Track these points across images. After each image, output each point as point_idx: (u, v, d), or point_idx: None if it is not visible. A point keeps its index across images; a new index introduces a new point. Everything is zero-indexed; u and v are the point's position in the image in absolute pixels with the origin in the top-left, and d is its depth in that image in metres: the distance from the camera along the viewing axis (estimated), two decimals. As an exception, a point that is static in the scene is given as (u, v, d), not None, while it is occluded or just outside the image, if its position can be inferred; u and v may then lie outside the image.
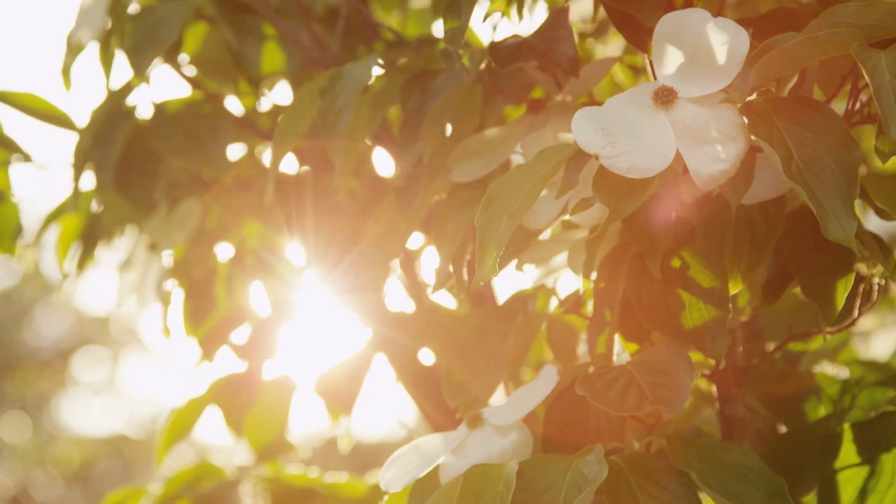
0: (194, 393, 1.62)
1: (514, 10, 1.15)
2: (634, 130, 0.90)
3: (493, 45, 1.07)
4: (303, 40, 1.41)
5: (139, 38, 1.38)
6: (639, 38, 1.03)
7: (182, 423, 1.64)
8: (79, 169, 1.46)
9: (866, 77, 0.86)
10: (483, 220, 0.91)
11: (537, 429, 1.04)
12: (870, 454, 1.04)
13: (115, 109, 1.45)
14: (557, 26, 1.05)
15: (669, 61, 0.94)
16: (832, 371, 1.22)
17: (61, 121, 1.53)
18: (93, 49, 1.47)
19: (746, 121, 0.90)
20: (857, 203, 1.09)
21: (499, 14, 1.12)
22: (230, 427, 1.60)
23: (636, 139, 0.89)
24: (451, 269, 1.08)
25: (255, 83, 1.48)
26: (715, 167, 0.89)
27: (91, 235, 1.57)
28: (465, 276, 1.08)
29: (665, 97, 0.92)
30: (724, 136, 0.90)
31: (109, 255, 1.60)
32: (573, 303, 1.13)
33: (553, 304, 1.17)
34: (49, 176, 1.57)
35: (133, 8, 1.44)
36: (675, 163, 0.89)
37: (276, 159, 1.17)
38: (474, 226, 1.15)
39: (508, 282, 1.25)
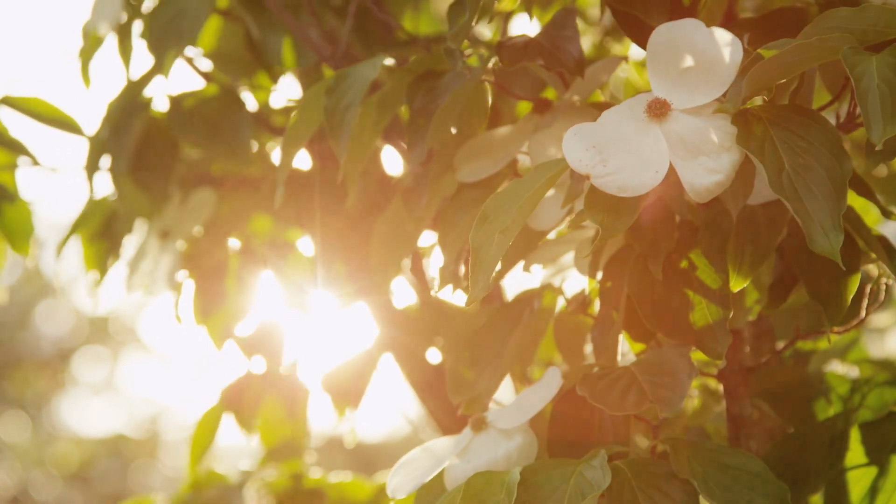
0: (209, 402, 1.63)
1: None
2: (627, 145, 0.90)
3: (501, 43, 1.07)
4: (313, 37, 1.40)
5: (160, 31, 1.38)
6: (644, 39, 1.03)
7: (204, 433, 1.64)
8: (94, 160, 1.46)
9: (853, 82, 0.86)
10: (477, 237, 0.91)
11: (542, 430, 1.04)
12: (878, 454, 1.04)
13: (131, 101, 1.45)
14: (564, 26, 1.05)
15: (663, 72, 0.93)
16: (842, 370, 1.22)
17: (68, 125, 1.53)
18: (111, 41, 1.47)
19: (738, 131, 0.90)
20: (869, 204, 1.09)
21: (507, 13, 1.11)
22: (244, 429, 1.60)
23: (628, 155, 0.89)
24: (460, 268, 1.08)
25: (276, 76, 1.48)
26: (710, 179, 0.89)
27: (111, 237, 1.57)
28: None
29: (658, 109, 0.91)
30: (719, 147, 0.89)
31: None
32: (580, 302, 1.13)
33: (560, 303, 1.17)
34: (57, 179, 1.57)
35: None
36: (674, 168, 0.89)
37: (286, 160, 1.17)
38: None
39: (517, 280, 1.25)
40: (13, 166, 1.53)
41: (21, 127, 1.64)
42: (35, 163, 1.54)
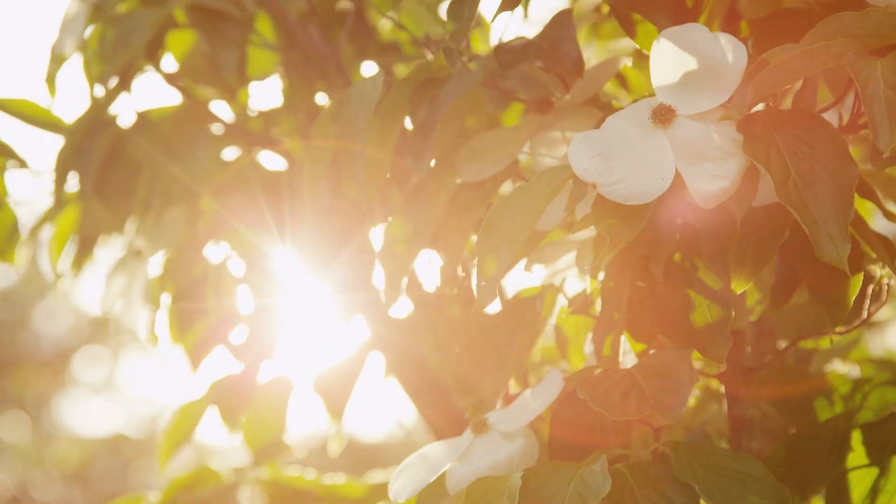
0: (193, 395, 1.61)
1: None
2: (633, 153, 0.89)
3: (498, 46, 1.06)
4: (314, 37, 1.40)
5: (114, 44, 1.38)
6: (645, 40, 1.03)
7: (183, 426, 1.63)
8: (61, 177, 1.46)
9: (858, 88, 0.86)
10: (483, 245, 0.91)
11: (543, 433, 1.03)
12: (879, 455, 1.04)
13: (97, 118, 1.46)
14: (562, 27, 1.05)
15: (667, 78, 0.93)
16: (843, 370, 1.22)
17: (56, 127, 1.53)
18: (78, 58, 1.47)
19: (744, 139, 0.89)
20: (866, 204, 1.09)
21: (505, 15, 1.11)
22: (228, 428, 1.60)
23: (634, 163, 0.89)
24: (459, 269, 1.08)
25: (232, 90, 1.47)
26: (715, 185, 0.89)
27: (85, 236, 1.57)
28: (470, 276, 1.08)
29: (664, 116, 0.91)
30: (724, 153, 0.89)
31: (108, 254, 1.60)
32: (581, 302, 1.13)
33: (561, 303, 1.17)
34: (45, 181, 1.57)
35: (113, 14, 1.43)
36: (678, 171, 0.89)
37: (313, 198, 1.17)
38: (478, 227, 1.16)
39: (517, 281, 1.25)
40: (1, 169, 1.53)
41: (7, 130, 1.64)
42: (23, 165, 1.54)
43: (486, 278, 0.91)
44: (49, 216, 1.55)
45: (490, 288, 0.91)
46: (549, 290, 1.14)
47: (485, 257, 0.91)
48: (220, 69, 1.42)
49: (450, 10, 1.03)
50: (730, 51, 0.91)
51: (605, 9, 1.39)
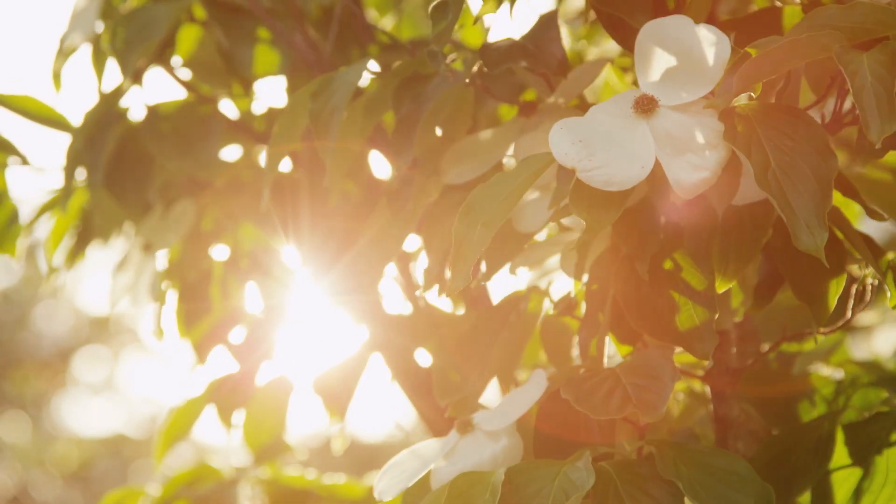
0: (192, 393, 1.62)
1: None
2: (613, 141, 0.90)
3: (485, 46, 1.07)
4: (297, 42, 1.41)
5: (128, 39, 1.38)
6: (628, 40, 1.03)
7: (180, 423, 1.64)
8: (71, 170, 1.46)
9: (848, 80, 0.86)
10: (460, 228, 0.92)
11: (528, 432, 1.04)
12: (863, 455, 1.04)
13: (107, 111, 1.45)
14: (547, 28, 1.06)
15: (651, 69, 0.93)
16: (826, 372, 1.22)
17: (58, 123, 1.53)
18: (86, 51, 1.47)
19: (725, 128, 0.90)
20: (853, 204, 1.09)
21: (491, 15, 1.12)
22: (226, 427, 1.60)
23: (614, 150, 0.89)
24: (446, 271, 1.08)
25: (247, 85, 1.48)
26: (696, 175, 0.89)
27: (84, 231, 1.58)
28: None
29: (646, 106, 0.92)
30: (706, 144, 0.90)
31: (108, 254, 1.60)
32: (566, 304, 1.13)
33: (547, 305, 1.17)
34: (46, 178, 1.57)
35: (125, 9, 1.44)
36: (662, 168, 0.89)
37: (273, 163, 1.18)
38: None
39: (504, 284, 1.25)
40: (3, 166, 1.53)
41: (9, 126, 1.64)
42: (24, 162, 1.54)
43: (462, 261, 0.91)
44: (52, 204, 1.55)
45: (465, 271, 0.91)
46: (533, 293, 1.15)
47: (461, 240, 0.91)
48: (237, 63, 1.42)
49: (433, 12, 1.03)
50: (713, 43, 0.92)
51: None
